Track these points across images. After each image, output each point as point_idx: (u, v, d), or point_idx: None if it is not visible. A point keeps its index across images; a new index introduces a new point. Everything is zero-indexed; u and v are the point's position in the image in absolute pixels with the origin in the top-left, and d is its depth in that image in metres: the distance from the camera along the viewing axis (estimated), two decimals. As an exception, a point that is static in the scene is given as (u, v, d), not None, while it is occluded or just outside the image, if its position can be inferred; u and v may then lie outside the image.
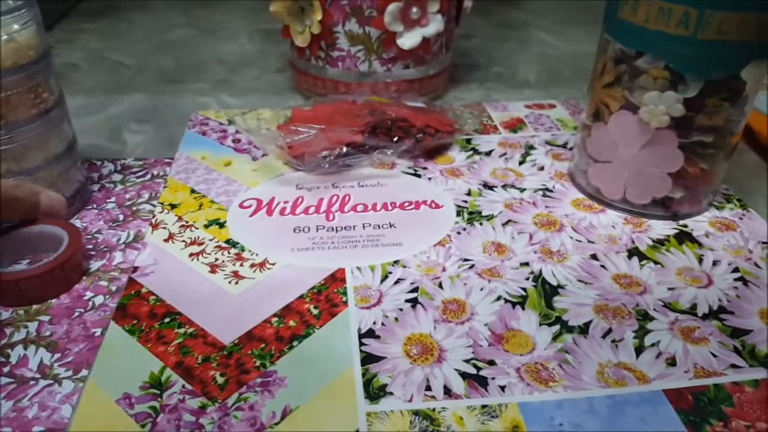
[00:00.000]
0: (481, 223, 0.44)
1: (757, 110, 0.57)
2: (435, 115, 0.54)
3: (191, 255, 0.40)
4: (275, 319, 0.35)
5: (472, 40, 0.81)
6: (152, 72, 0.70)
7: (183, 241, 0.41)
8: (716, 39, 0.37)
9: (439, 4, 0.57)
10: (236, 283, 0.37)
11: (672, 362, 0.33)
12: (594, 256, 0.41)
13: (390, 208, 0.45)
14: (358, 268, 0.39)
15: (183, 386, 0.30)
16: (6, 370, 0.32)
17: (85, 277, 0.38)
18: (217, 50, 0.77)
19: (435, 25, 0.57)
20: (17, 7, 0.38)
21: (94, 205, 0.45)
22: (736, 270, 0.40)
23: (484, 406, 0.30)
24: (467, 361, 0.33)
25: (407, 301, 0.36)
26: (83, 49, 0.76)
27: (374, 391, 0.31)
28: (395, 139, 0.50)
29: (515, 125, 0.57)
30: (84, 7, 0.91)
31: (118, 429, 0.28)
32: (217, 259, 0.39)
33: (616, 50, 0.42)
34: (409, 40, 0.57)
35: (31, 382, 0.31)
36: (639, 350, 0.34)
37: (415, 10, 0.56)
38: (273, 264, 0.39)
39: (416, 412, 0.30)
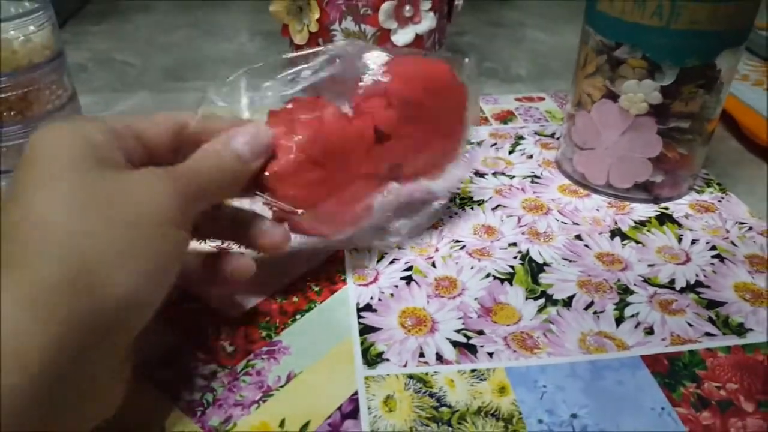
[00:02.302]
0: (472, 208, 0.46)
1: (754, 110, 0.59)
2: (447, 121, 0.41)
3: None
4: (279, 296, 0.37)
5: (464, 37, 0.84)
6: (157, 71, 0.73)
7: (191, 227, 0.43)
8: (689, 29, 0.40)
9: (431, 2, 0.59)
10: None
11: (650, 331, 0.36)
12: (578, 237, 0.43)
13: (385, 195, 0.47)
14: (356, 249, 0.41)
15: (195, 354, 0.33)
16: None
17: None
18: (218, 50, 0.80)
19: (427, 22, 0.60)
20: (33, 9, 0.41)
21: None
22: (713, 248, 0.43)
23: (473, 371, 0.33)
24: (458, 331, 0.35)
25: (402, 278, 0.39)
26: (90, 50, 0.79)
27: (371, 358, 0.33)
28: None
29: (505, 117, 0.60)
30: (89, 10, 0.93)
31: (135, 393, 0.31)
32: (222, 242, 0.42)
33: (597, 41, 0.44)
34: (402, 36, 0.60)
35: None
36: (619, 320, 0.36)
37: (408, 8, 0.58)
38: (276, 247, 0.42)
39: (410, 376, 0.32)
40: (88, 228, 0.24)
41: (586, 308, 0.37)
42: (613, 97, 0.44)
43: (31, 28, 0.40)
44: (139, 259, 0.25)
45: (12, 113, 0.40)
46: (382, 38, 0.59)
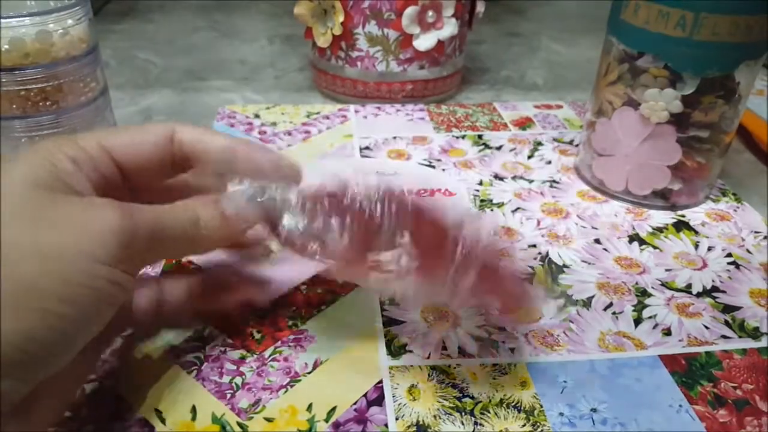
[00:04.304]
0: (492, 210, 0.47)
1: (755, 114, 0.60)
2: None
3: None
4: (304, 287, 0.38)
5: (482, 46, 0.85)
6: (178, 70, 0.74)
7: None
8: (710, 40, 0.41)
9: (453, 8, 0.60)
10: (267, 256, 0.41)
11: (667, 332, 0.36)
12: (597, 240, 0.44)
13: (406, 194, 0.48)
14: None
15: (224, 340, 0.34)
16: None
17: None
18: (238, 51, 0.81)
19: (449, 28, 0.61)
20: (72, 4, 0.42)
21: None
22: (729, 255, 0.43)
23: (494, 365, 0.33)
24: (479, 327, 0.36)
25: (424, 275, 0.40)
26: (112, 48, 0.80)
27: (395, 349, 0.34)
28: None
29: (524, 123, 0.61)
30: (110, 10, 0.95)
31: (166, 375, 0.32)
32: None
33: (619, 50, 0.45)
34: (425, 41, 0.61)
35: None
36: (637, 321, 0.37)
37: (431, 13, 0.60)
38: (300, 241, 0.42)
39: (434, 367, 0.33)
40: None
41: (605, 309, 0.38)
42: (634, 105, 0.45)
43: (69, 21, 0.42)
44: (45, 293, 0.23)
45: (48, 103, 0.42)
46: (405, 43, 0.60)
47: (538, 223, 0.46)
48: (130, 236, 0.25)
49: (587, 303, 0.38)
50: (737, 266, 0.42)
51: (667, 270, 0.41)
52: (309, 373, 0.32)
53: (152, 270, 0.39)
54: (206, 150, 0.30)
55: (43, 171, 0.25)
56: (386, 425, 0.30)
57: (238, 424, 0.30)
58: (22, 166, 0.25)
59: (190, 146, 0.29)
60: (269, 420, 0.30)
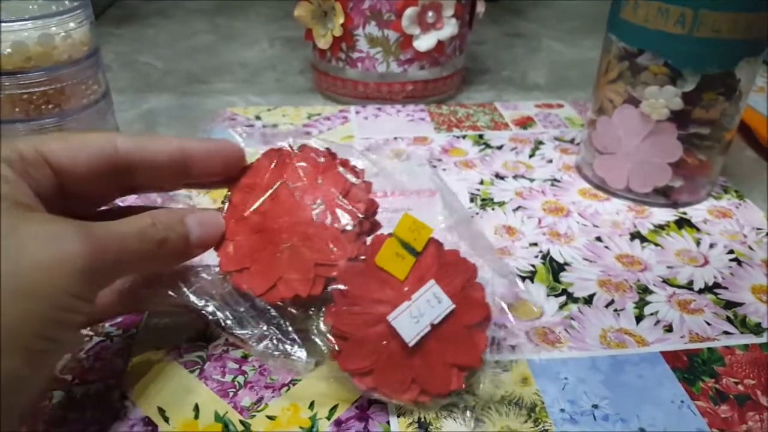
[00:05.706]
0: (493, 209, 0.47)
1: (757, 111, 0.60)
2: None
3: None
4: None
5: (483, 46, 0.85)
6: (179, 74, 0.74)
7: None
8: (710, 37, 0.41)
9: (453, 8, 0.60)
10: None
11: (669, 329, 0.36)
12: (598, 238, 0.44)
13: (407, 194, 0.48)
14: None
15: (226, 340, 0.34)
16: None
17: None
18: (239, 55, 0.81)
19: (449, 28, 0.61)
20: (74, 7, 0.42)
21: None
22: (731, 252, 0.43)
23: (496, 361, 0.33)
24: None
25: (426, 273, 0.40)
26: (113, 52, 0.80)
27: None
28: None
29: (525, 123, 0.61)
30: (111, 14, 0.95)
31: (169, 374, 0.32)
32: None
33: (619, 48, 0.45)
34: (425, 42, 0.61)
35: (86, 339, 0.34)
36: (639, 318, 0.37)
37: (430, 14, 0.60)
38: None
39: (436, 365, 0.33)
40: None
41: (607, 306, 0.38)
42: (635, 102, 0.45)
43: (71, 24, 0.42)
44: (27, 333, 0.22)
45: (50, 106, 0.42)
46: (405, 43, 0.61)
47: (540, 221, 0.46)
48: (98, 265, 0.24)
49: (588, 300, 0.38)
50: (739, 263, 0.42)
51: (668, 267, 0.41)
52: (311, 371, 0.32)
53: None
54: (155, 155, 0.29)
55: None
56: (388, 423, 0.30)
57: (241, 422, 0.30)
58: None
59: (137, 153, 0.28)
60: (271, 418, 0.30)
